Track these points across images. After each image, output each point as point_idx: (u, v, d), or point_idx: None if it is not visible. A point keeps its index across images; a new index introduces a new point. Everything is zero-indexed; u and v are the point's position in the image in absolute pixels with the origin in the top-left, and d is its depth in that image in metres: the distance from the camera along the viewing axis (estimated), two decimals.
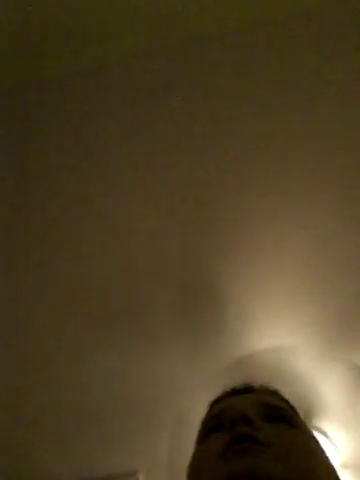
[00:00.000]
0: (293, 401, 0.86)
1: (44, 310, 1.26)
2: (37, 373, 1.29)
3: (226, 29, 1.15)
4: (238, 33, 1.14)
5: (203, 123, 1.16)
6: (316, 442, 0.67)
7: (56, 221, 1.22)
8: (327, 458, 0.63)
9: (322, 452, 0.64)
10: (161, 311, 1.22)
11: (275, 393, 0.73)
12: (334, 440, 1.24)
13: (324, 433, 1.27)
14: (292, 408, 0.71)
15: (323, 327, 1.20)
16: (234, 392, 0.73)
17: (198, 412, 0.75)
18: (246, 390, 0.73)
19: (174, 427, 1.24)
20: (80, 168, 1.21)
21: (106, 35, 1.17)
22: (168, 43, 1.17)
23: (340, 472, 1.03)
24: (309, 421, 1.25)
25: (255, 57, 1.14)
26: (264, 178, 1.16)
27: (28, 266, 1.24)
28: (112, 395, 1.26)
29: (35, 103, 1.21)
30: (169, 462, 1.23)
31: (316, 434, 1.24)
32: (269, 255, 1.18)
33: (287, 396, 0.77)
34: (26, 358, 1.28)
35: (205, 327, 1.22)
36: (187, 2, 1.12)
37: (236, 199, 1.17)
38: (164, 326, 1.22)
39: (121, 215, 1.20)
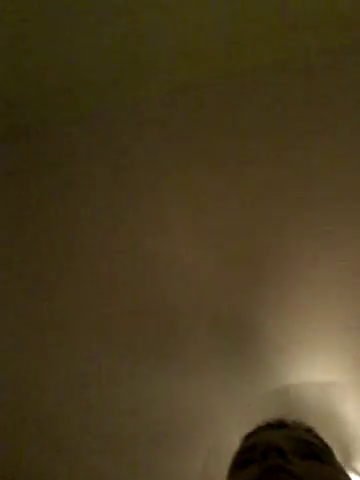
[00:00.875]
0: (332, 440, 0.83)
1: (80, 336, 1.28)
2: (71, 399, 1.31)
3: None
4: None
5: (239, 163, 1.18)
6: None
7: (93, 253, 1.26)
8: None
9: None
10: (198, 341, 1.22)
11: (309, 430, 0.72)
12: None
13: None
14: (326, 446, 0.70)
15: None
16: (267, 427, 0.73)
17: (231, 442, 0.75)
18: (280, 425, 0.72)
19: (206, 457, 1.23)
20: (119, 201, 1.25)
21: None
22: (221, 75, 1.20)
23: None
24: (349, 463, 1.21)
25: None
26: (306, 212, 1.17)
27: (66, 296, 1.28)
28: (144, 422, 1.27)
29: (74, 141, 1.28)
30: None
31: (355, 477, 1.20)
32: (308, 286, 1.18)
33: (325, 434, 0.76)
34: (60, 384, 1.30)
35: (241, 358, 1.21)
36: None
37: (275, 230, 1.18)
38: (200, 356, 1.23)
39: (158, 246, 1.23)
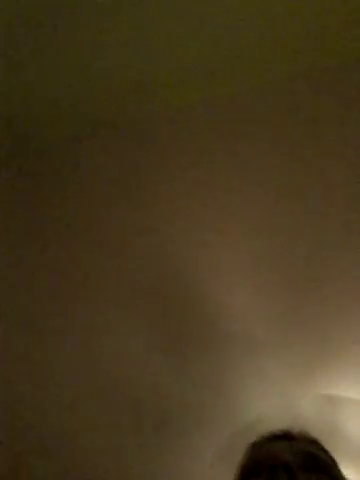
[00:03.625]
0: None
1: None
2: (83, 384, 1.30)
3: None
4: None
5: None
6: None
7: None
8: None
9: None
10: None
11: (315, 442, 0.73)
12: None
13: None
14: (332, 459, 0.71)
15: None
16: (273, 438, 0.74)
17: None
18: (285, 436, 0.73)
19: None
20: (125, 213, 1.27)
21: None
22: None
23: None
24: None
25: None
26: None
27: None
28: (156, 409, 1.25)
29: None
30: None
31: None
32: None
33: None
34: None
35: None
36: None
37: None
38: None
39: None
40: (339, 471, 0.69)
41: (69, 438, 1.28)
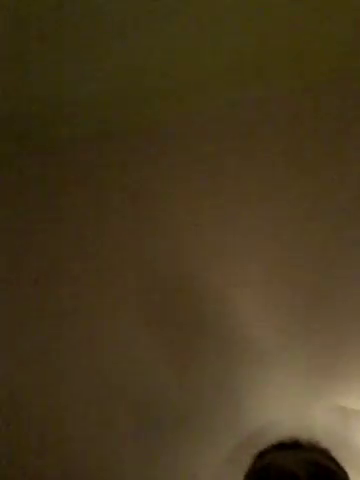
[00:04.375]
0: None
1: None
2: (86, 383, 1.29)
3: None
4: None
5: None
6: None
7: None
8: None
9: None
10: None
11: (324, 452, 0.71)
12: None
13: None
14: (341, 469, 0.69)
15: None
16: (281, 446, 0.72)
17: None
18: (294, 446, 0.71)
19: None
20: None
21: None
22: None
23: None
24: None
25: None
26: None
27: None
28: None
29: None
30: None
31: None
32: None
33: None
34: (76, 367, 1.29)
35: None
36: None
37: None
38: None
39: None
40: None
41: (70, 440, 1.27)
